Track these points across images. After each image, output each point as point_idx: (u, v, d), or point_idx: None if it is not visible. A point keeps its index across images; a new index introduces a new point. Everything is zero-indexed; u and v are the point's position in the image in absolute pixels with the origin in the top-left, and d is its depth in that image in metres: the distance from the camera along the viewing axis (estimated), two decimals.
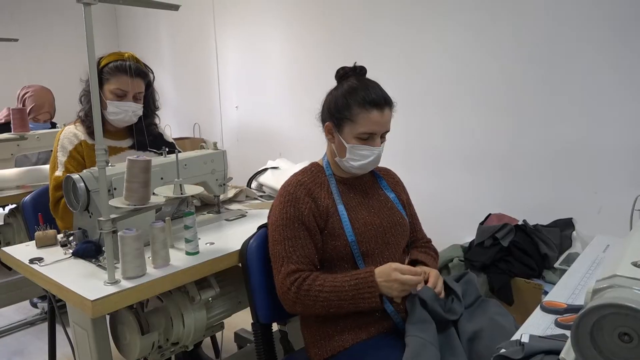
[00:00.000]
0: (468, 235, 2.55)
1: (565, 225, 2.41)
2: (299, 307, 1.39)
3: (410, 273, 1.35)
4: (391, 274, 1.34)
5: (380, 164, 1.57)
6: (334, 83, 1.53)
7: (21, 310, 3.06)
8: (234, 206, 2.15)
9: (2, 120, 3.04)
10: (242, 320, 1.94)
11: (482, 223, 2.53)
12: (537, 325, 1.16)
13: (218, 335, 2.14)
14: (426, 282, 1.40)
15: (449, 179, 2.88)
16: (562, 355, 0.83)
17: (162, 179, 1.70)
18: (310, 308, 1.38)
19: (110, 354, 1.44)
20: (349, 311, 1.37)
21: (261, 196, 2.32)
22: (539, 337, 1.05)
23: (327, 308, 1.36)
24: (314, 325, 1.47)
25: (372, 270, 1.37)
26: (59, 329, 2.10)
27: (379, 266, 1.42)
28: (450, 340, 1.34)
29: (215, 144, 2.00)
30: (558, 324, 1.14)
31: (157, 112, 2.14)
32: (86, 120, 1.97)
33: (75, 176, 1.56)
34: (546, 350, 0.96)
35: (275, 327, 1.78)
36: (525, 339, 1.02)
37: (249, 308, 1.58)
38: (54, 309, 2.01)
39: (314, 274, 1.39)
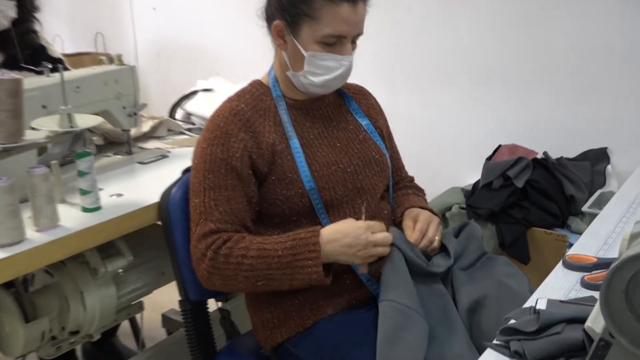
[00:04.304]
0: (471, 175, 2.56)
1: (597, 158, 2.43)
2: (216, 280, 1.35)
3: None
4: (360, 235, 1.31)
5: (350, 80, 1.52)
6: None
7: None
8: (151, 144, 2.12)
9: None
10: (171, 298, 1.93)
11: (489, 158, 2.54)
12: (558, 286, 1.16)
13: (139, 318, 2.13)
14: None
15: (445, 101, 2.86)
16: (587, 323, 0.82)
17: (44, 107, 1.66)
18: (232, 281, 1.34)
19: None
20: (282, 287, 1.34)
21: (189, 129, 2.29)
22: (560, 301, 1.05)
23: (252, 280, 1.32)
24: (264, 301, 1.46)
25: (316, 229, 1.34)
26: None
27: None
28: (447, 311, 1.35)
29: (119, 56, 1.95)
30: (585, 284, 1.15)
31: (36, 15, 2.09)
32: None
33: None
34: (568, 318, 0.95)
35: (213, 305, 1.77)
36: (541, 305, 1.01)
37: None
38: None
39: (238, 235, 1.35)
